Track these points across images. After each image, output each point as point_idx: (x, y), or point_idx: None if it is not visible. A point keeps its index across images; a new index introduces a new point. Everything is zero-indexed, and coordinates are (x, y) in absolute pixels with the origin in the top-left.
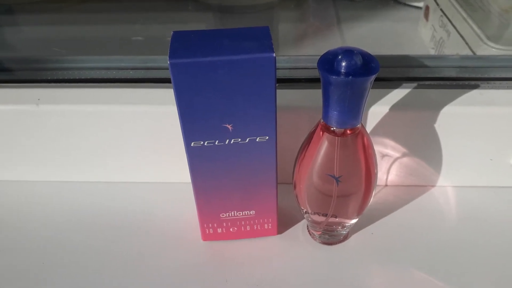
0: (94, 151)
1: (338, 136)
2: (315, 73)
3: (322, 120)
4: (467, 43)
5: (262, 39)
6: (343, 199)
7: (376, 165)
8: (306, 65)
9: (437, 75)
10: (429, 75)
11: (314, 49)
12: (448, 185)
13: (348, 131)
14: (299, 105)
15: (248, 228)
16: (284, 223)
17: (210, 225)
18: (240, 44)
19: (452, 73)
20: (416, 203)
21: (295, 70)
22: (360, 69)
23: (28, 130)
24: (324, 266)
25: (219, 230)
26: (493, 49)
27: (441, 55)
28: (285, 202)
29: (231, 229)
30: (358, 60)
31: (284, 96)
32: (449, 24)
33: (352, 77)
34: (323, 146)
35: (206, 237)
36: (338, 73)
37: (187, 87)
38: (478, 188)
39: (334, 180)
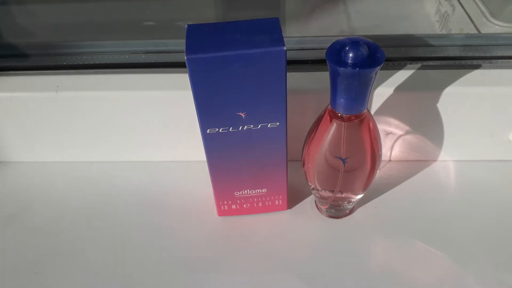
0: (115, 133)
1: (345, 121)
2: (322, 54)
3: (330, 106)
4: (471, 19)
5: (273, 32)
6: (349, 178)
7: (381, 147)
8: (313, 46)
9: (440, 55)
10: (432, 55)
11: (319, 24)
12: (449, 159)
13: (354, 117)
14: (308, 88)
15: (260, 204)
16: (293, 198)
17: (225, 202)
18: (251, 37)
19: (456, 52)
20: (418, 177)
21: (302, 51)
22: (366, 60)
23: (50, 115)
24: (331, 238)
25: (233, 207)
26: (497, 27)
27: (444, 34)
28: (294, 179)
29: (244, 205)
30: (365, 51)
31: (293, 78)
32: None
33: (358, 68)
34: (331, 130)
35: (221, 212)
36: (345, 64)
37: (203, 80)
38: (478, 162)
39: (341, 161)
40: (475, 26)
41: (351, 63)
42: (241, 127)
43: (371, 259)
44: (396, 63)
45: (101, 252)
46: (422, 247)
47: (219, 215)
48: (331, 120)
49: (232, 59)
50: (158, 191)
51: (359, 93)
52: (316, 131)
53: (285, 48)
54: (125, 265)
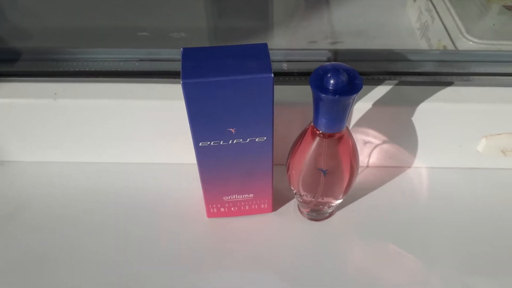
0: (109, 136)
1: (325, 138)
2: (307, 66)
3: (312, 123)
4: (448, 32)
5: (261, 58)
6: (329, 186)
7: (358, 161)
8: (299, 58)
9: (417, 70)
10: (410, 70)
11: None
12: (422, 166)
13: (335, 134)
14: (295, 101)
15: (247, 207)
16: (278, 201)
17: (214, 206)
18: (242, 63)
19: (432, 67)
20: (394, 182)
21: (289, 63)
22: (346, 87)
23: (48, 120)
24: (311, 240)
25: (222, 209)
26: (470, 43)
27: (421, 50)
28: (279, 183)
29: (232, 208)
30: (344, 78)
31: (282, 92)
32: (433, 10)
33: (338, 96)
34: (313, 145)
35: (210, 214)
36: (326, 90)
37: (197, 101)
38: (448, 169)
39: (322, 173)
40: (451, 40)
41: (331, 89)
42: (231, 141)
43: (348, 260)
44: (376, 77)
45: (94, 252)
46: (394, 249)
47: (208, 217)
48: (313, 136)
49: (224, 84)
50: (150, 192)
51: (339, 115)
52: (300, 144)
53: (272, 75)
54: (116, 264)
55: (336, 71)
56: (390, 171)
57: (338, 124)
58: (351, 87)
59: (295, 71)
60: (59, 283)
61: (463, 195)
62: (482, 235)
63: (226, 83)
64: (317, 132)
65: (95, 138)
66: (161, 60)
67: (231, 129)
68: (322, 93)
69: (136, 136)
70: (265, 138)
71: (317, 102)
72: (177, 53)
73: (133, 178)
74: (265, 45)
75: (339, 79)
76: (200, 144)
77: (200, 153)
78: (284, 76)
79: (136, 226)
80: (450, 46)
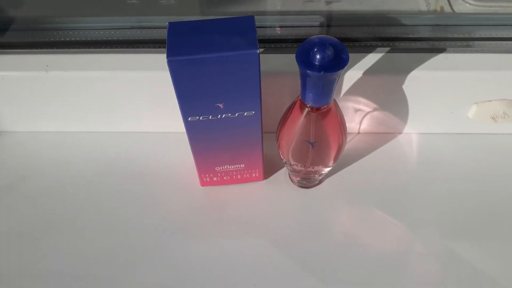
0: (103, 106)
1: (313, 112)
2: (302, 32)
3: (300, 97)
4: None
5: (247, 33)
6: (318, 156)
7: (345, 133)
8: (292, 23)
9: (410, 35)
10: (403, 35)
11: None
12: (413, 132)
13: (322, 108)
14: (284, 70)
15: (239, 176)
16: (269, 169)
17: (207, 175)
18: (228, 38)
19: (425, 32)
20: (384, 149)
21: (282, 29)
22: (331, 62)
23: (41, 91)
24: (302, 206)
25: (215, 179)
26: (467, 5)
27: (415, 13)
28: (270, 151)
29: (224, 178)
30: (330, 53)
31: (271, 60)
32: None
33: (324, 72)
34: (300, 118)
35: (204, 183)
36: (312, 66)
37: (184, 78)
38: (438, 134)
39: (310, 145)
40: (449, 2)
41: (317, 65)
42: (219, 115)
43: (336, 226)
44: (368, 44)
45: (89, 220)
46: (380, 215)
47: (202, 186)
48: (301, 109)
49: (210, 60)
50: (144, 161)
51: (325, 90)
52: (288, 116)
53: (258, 51)
54: (113, 232)
55: (322, 45)
56: (381, 137)
57: (325, 98)
58: (337, 62)
59: (288, 37)
60: (55, 252)
61: (453, 160)
62: (468, 200)
63: (212, 60)
64: (305, 105)
65: (88, 108)
66: (151, 28)
67: (219, 105)
68: (307, 68)
69: (128, 106)
70: (253, 112)
71: (303, 77)
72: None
73: (126, 147)
74: (252, 18)
75: (324, 54)
76: (189, 119)
77: (190, 127)
78: (276, 44)
79: (131, 194)
80: (447, 9)
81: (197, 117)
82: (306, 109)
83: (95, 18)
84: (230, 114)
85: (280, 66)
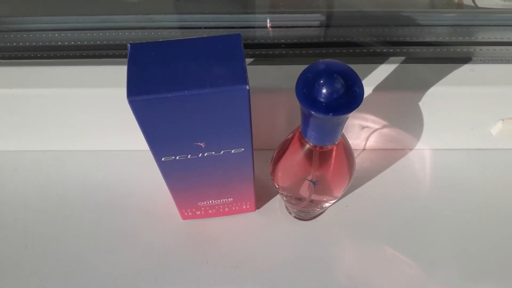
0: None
1: (316, 150)
2: (298, 34)
3: (300, 131)
4: None
5: (233, 59)
6: (319, 194)
7: (354, 167)
8: (287, 23)
9: (426, 39)
10: (418, 39)
11: None
12: (426, 147)
13: (327, 147)
14: (279, 86)
15: (226, 209)
16: (262, 195)
17: (189, 210)
18: (207, 68)
19: (445, 35)
20: (393, 169)
21: (275, 30)
22: (342, 99)
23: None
24: (299, 241)
25: (198, 213)
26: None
27: (431, 11)
28: (262, 171)
29: (210, 211)
30: (340, 86)
31: (263, 73)
32: None
33: (332, 114)
34: (299, 154)
35: (185, 217)
36: (317, 105)
37: (151, 119)
38: (455, 151)
39: (311, 183)
40: None
41: (324, 103)
42: (201, 154)
43: (340, 267)
44: (378, 49)
45: (52, 252)
46: (391, 253)
47: (183, 219)
48: (301, 145)
49: (184, 99)
50: (114, 185)
51: (332, 131)
52: (286, 150)
53: (247, 87)
54: (78, 270)
55: (329, 77)
56: (389, 154)
57: (332, 138)
58: (349, 98)
59: (282, 41)
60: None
61: (473, 181)
62: (493, 231)
63: (187, 99)
64: (306, 142)
65: (44, 124)
66: (117, 29)
67: (199, 144)
68: (311, 109)
69: (93, 121)
70: (242, 149)
71: (305, 114)
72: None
73: (90, 168)
74: (238, 37)
75: (333, 88)
76: (162, 160)
77: (165, 168)
78: (267, 49)
79: (94, 229)
80: (467, 2)
81: (173, 157)
82: (308, 146)
83: (45, 17)
84: (214, 152)
85: (273, 80)
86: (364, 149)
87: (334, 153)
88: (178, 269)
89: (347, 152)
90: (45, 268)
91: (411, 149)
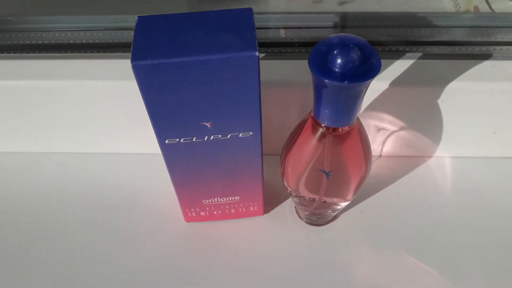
0: (71, 123)
1: (329, 133)
2: (311, 35)
3: (312, 114)
4: None
5: (243, 29)
6: (332, 190)
7: (370, 160)
8: (300, 24)
9: (445, 38)
10: (436, 38)
11: None
12: (446, 155)
13: (341, 129)
14: (291, 80)
15: (232, 210)
16: (271, 200)
17: (193, 210)
18: (216, 36)
19: (463, 36)
20: (411, 176)
21: (287, 31)
22: (358, 69)
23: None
24: (312, 250)
25: (202, 214)
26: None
27: (449, 13)
28: (272, 177)
29: (215, 212)
30: (356, 56)
31: (274, 68)
32: None
33: (348, 81)
34: (312, 141)
35: (189, 219)
36: (332, 74)
37: (155, 89)
38: (477, 159)
39: (324, 174)
40: (488, 2)
41: (338, 73)
42: (206, 137)
43: (355, 276)
44: (394, 48)
45: (51, 258)
46: (411, 261)
47: (187, 221)
48: (314, 130)
49: (189, 65)
50: (114, 189)
51: (347, 106)
52: (297, 138)
53: (257, 53)
54: (76, 276)
55: (345, 47)
56: (407, 161)
57: (346, 117)
58: (366, 68)
59: (295, 40)
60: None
61: (497, 189)
62: None
63: (193, 65)
64: (319, 125)
65: (48, 124)
66: (130, 29)
67: (205, 123)
68: (325, 77)
69: (96, 122)
70: (251, 133)
71: (318, 88)
72: None
73: (90, 171)
74: (249, 11)
75: (348, 58)
76: (166, 142)
77: (168, 152)
78: (280, 48)
79: (94, 232)
80: (484, 8)
81: (177, 139)
82: (321, 130)
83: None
84: (220, 136)
85: (284, 74)
86: (380, 156)
87: (349, 138)
88: (178, 273)
89: (362, 138)
90: (41, 268)
91: (430, 156)
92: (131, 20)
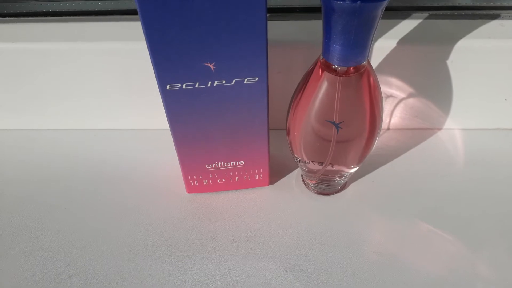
0: (67, 97)
1: (340, 76)
2: (313, 1)
3: (321, 57)
4: None
5: None
6: (342, 147)
7: (382, 109)
8: None
9: (451, 4)
10: (442, 4)
11: None
12: (456, 127)
13: (352, 69)
14: (294, 39)
15: (237, 179)
16: (276, 172)
17: (195, 177)
18: None
19: (468, 1)
20: (421, 147)
21: None
22: None
23: None
24: (320, 218)
25: (205, 182)
26: None
27: None
28: (277, 150)
29: (218, 181)
30: None
31: (276, 28)
32: None
33: (360, 2)
34: (322, 87)
35: (191, 189)
36: None
37: (158, 18)
38: (489, 130)
39: (334, 127)
40: None
41: None
42: (210, 82)
43: (368, 243)
44: (400, 13)
45: (54, 232)
46: (426, 228)
47: (188, 192)
48: (322, 74)
49: None
50: (117, 163)
51: (359, 38)
52: (304, 90)
53: None
54: (80, 249)
55: None
56: (416, 133)
57: (358, 53)
58: None
59: (297, 6)
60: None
61: (505, 160)
62: None
63: None
64: (329, 66)
65: (47, 99)
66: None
67: (208, 64)
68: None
69: (100, 94)
70: (256, 78)
71: (328, 18)
72: None
73: (92, 147)
74: None
75: None
76: (168, 87)
77: (170, 100)
78: (281, 13)
79: (99, 203)
80: None
81: (179, 85)
82: (330, 73)
83: None
84: (224, 81)
85: (288, 34)
86: (389, 129)
87: (360, 81)
88: (179, 243)
89: (374, 83)
90: (35, 241)
91: (439, 129)
92: None
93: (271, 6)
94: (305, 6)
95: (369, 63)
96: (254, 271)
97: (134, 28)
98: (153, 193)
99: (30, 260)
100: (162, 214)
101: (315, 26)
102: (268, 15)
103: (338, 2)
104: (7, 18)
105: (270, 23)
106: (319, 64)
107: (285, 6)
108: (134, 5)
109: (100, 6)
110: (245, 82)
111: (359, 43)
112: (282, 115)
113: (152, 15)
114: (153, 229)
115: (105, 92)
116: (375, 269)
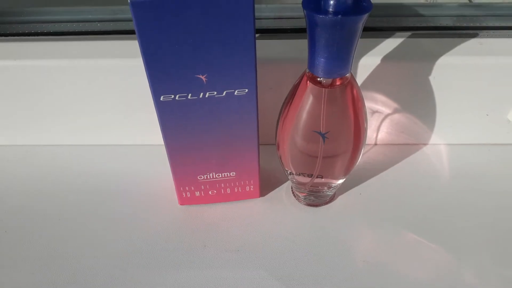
0: (63, 112)
1: (325, 88)
2: (302, 23)
3: (307, 70)
4: None
5: None
6: (329, 158)
7: (366, 120)
8: (292, 14)
9: (432, 24)
10: (423, 24)
11: None
12: (441, 143)
13: (337, 82)
14: (283, 57)
15: (228, 190)
16: (267, 185)
17: (187, 188)
18: None
19: (449, 22)
20: (407, 162)
21: (279, 20)
22: (351, 7)
23: None
24: (310, 229)
25: (197, 194)
26: None
27: (436, 4)
28: (268, 164)
29: (210, 192)
30: None
31: (267, 47)
32: None
33: (341, 16)
34: (308, 100)
35: (183, 201)
36: (325, 11)
37: (153, 30)
38: (473, 145)
39: (320, 137)
40: None
41: (332, 10)
42: (202, 94)
43: (356, 252)
44: (384, 33)
45: (48, 242)
46: (412, 238)
47: (181, 204)
48: (309, 88)
49: (187, 3)
50: (110, 176)
51: (342, 50)
52: (291, 102)
53: None
54: (74, 258)
55: None
56: (403, 149)
57: (341, 65)
58: (358, 8)
59: (288, 28)
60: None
61: (494, 173)
62: None
63: (190, 3)
64: (314, 79)
65: (46, 114)
66: (128, 20)
67: (201, 76)
68: (319, 14)
69: (95, 110)
70: (246, 90)
71: (312, 32)
72: None
73: (87, 161)
74: None
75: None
76: (161, 98)
77: (163, 111)
78: (274, 33)
79: (92, 215)
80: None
81: (172, 96)
82: (316, 85)
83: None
84: (215, 93)
85: (280, 52)
86: (376, 144)
87: (345, 93)
88: (171, 254)
89: (357, 93)
90: (29, 251)
91: (425, 144)
92: (128, 12)
93: (264, 27)
94: (295, 27)
95: (352, 75)
96: (244, 281)
97: (129, 46)
98: (146, 205)
99: (25, 269)
100: (154, 225)
101: (305, 45)
102: (261, 35)
103: (320, 16)
104: (10, 37)
105: (264, 42)
106: (305, 77)
107: (277, 27)
108: (131, 26)
109: (99, 27)
110: (235, 93)
111: (342, 55)
112: (274, 130)
113: (147, 30)
114: (146, 240)
115: (100, 109)
116: (363, 277)
